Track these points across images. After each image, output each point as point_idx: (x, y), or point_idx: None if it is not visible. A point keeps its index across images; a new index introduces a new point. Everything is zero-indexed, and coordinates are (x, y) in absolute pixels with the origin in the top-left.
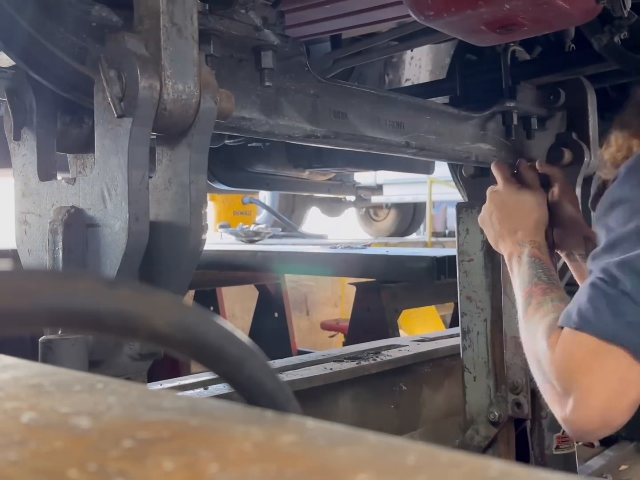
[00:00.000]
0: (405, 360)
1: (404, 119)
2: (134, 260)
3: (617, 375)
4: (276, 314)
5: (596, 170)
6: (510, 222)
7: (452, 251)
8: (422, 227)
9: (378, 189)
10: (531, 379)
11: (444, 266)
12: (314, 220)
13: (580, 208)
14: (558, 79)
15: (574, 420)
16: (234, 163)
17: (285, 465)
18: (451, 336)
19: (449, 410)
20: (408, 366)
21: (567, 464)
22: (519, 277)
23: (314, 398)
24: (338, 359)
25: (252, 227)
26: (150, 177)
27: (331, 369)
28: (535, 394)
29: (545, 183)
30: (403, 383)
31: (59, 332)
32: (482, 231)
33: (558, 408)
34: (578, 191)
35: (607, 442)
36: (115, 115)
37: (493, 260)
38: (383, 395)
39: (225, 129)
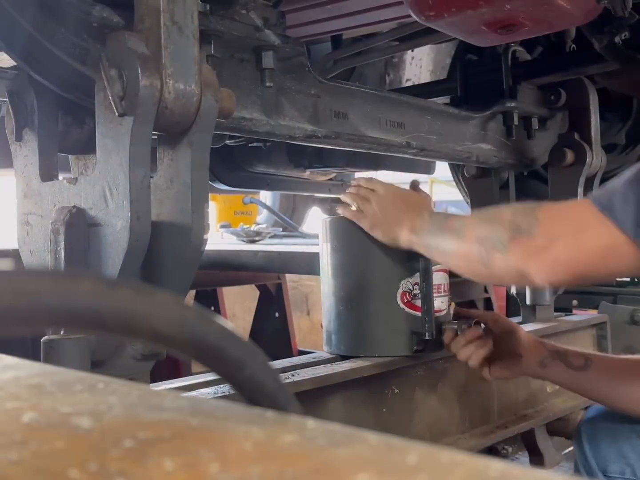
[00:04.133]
0: (394, 363)
1: (405, 119)
2: (136, 259)
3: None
4: (277, 314)
5: (598, 170)
6: (401, 205)
7: None
8: None
9: None
10: None
11: None
12: (314, 220)
13: None
14: (559, 79)
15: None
16: (235, 163)
17: (285, 465)
18: None
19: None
20: (399, 369)
21: None
22: (432, 228)
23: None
24: (328, 361)
25: (253, 227)
26: (151, 177)
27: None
28: None
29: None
30: (395, 386)
31: (62, 332)
32: None
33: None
34: (580, 191)
35: None
36: (117, 114)
37: None
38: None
39: (226, 129)
